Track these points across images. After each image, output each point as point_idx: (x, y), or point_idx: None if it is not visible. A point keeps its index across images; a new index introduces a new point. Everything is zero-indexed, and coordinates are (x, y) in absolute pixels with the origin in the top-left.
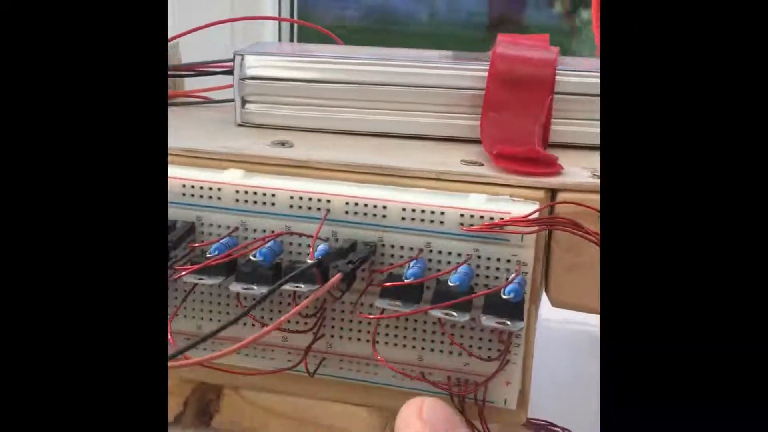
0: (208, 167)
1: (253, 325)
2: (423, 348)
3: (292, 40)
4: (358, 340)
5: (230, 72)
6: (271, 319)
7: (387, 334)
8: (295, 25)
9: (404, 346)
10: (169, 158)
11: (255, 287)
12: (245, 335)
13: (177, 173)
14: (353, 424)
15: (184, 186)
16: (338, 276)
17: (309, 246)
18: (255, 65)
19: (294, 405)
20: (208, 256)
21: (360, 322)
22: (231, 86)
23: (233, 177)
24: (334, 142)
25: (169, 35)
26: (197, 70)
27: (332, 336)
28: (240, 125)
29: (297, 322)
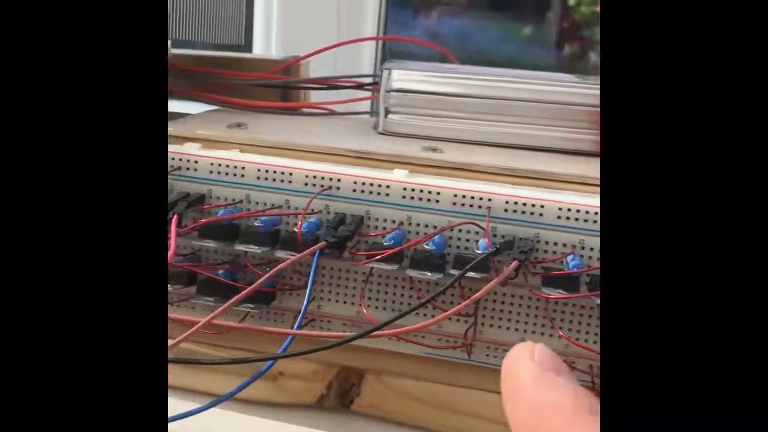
0: (372, 167)
1: (417, 313)
2: (569, 336)
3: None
4: (507, 328)
5: (358, 86)
6: (430, 306)
7: (535, 324)
8: (386, 49)
9: (551, 336)
10: (335, 158)
11: (429, 274)
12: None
13: (347, 171)
14: (493, 411)
15: (354, 183)
16: (516, 263)
17: (467, 240)
18: (400, 79)
19: (436, 392)
20: (385, 245)
21: (510, 311)
22: (351, 100)
23: (400, 175)
24: (475, 150)
25: (295, 55)
26: (329, 84)
27: (482, 324)
28: (381, 133)
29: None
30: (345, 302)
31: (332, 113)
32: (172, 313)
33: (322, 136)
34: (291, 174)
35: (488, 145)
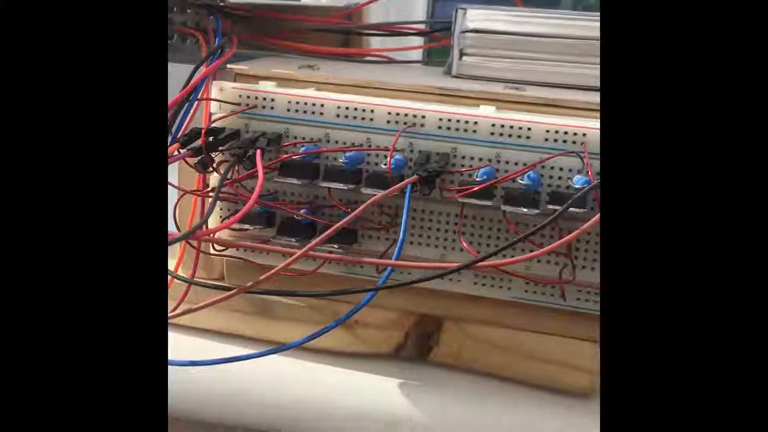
0: (458, 104)
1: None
2: None
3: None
4: (592, 269)
5: (423, 32)
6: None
7: None
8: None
9: None
10: (417, 96)
11: (525, 209)
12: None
13: (432, 108)
14: (582, 359)
15: (440, 119)
16: None
17: (559, 178)
18: (476, 18)
19: (519, 339)
20: (477, 180)
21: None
22: (418, 47)
23: (488, 111)
24: (556, 91)
25: (356, 1)
26: (394, 30)
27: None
28: (455, 77)
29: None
30: (428, 245)
31: (390, 61)
32: (255, 257)
33: (397, 77)
34: (372, 111)
35: (568, 88)
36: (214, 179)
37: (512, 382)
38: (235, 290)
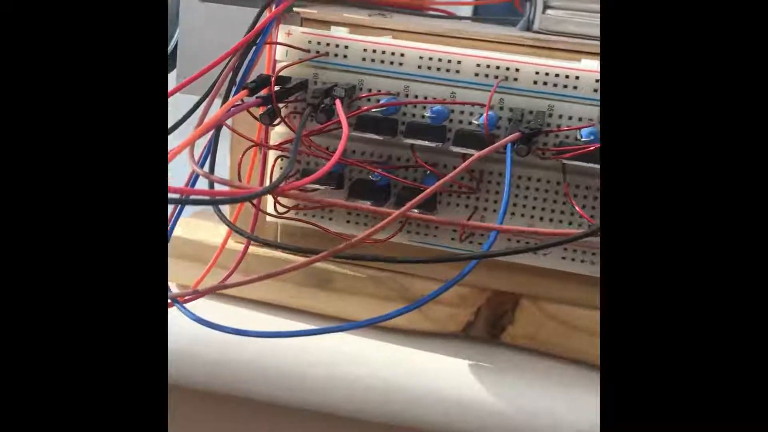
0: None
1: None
2: None
3: None
4: None
5: None
6: None
7: None
8: None
9: None
10: (507, 47)
11: None
12: None
13: (528, 60)
14: None
15: (536, 73)
16: None
17: None
18: None
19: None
20: (583, 140)
21: None
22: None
23: (591, 66)
24: None
25: None
26: None
27: None
28: (537, 32)
29: None
30: (513, 214)
31: (451, 16)
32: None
33: (474, 29)
34: (459, 62)
35: None
36: (275, 135)
37: (595, 368)
38: (325, 252)
